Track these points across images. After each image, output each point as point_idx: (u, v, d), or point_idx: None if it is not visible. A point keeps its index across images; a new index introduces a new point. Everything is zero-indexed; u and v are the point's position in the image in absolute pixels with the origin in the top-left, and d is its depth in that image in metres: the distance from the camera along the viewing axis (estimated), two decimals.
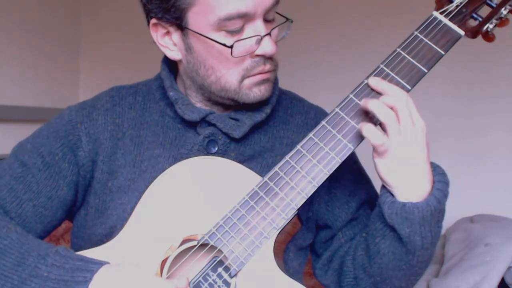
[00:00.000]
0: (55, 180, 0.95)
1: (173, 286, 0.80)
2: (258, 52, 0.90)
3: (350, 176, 1.02)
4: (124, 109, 1.00)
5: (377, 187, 1.07)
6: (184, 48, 0.94)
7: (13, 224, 0.89)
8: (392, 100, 0.82)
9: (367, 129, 0.82)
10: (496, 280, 1.62)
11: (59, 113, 1.02)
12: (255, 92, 0.93)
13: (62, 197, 0.96)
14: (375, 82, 0.85)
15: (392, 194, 0.86)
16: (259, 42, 0.89)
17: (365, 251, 0.94)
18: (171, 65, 1.02)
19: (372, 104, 0.82)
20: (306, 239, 1.01)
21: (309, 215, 1.01)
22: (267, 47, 0.89)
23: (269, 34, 0.90)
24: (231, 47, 0.88)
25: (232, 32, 0.88)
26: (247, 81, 0.92)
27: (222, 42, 0.88)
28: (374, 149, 0.84)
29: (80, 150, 0.97)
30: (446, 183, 0.86)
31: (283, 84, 1.11)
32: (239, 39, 0.88)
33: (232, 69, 0.91)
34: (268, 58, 0.92)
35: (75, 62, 3.04)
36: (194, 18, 0.89)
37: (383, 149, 0.83)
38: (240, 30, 0.88)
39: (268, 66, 0.92)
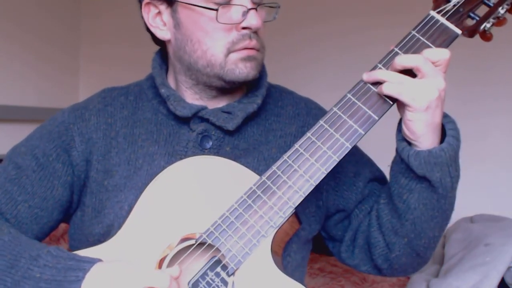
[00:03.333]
0: (50, 180, 0.96)
1: (167, 276, 0.80)
2: (243, 24, 0.92)
3: (350, 158, 1.02)
4: (116, 109, 1.01)
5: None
6: (173, 25, 0.96)
7: (7, 226, 0.90)
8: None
9: (387, 85, 0.83)
10: (496, 280, 1.63)
11: (51, 116, 1.03)
12: (241, 68, 0.94)
13: (57, 198, 0.96)
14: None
15: (411, 147, 0.87)
16: (245, 14, 0.91)
17: (392, 215, 0.94)
18: (162, 63, 1.04)
19: (399, 59, 0.83)
20: (311, 231, 1.02)
21: (319, 204, 1.01)
22: (253, 20, 0.91)
23: (255, 9, 0.92)
24: (216, 10, 0.90)
25: (220, 3, 0.91)
26: (233, 56, 0.93)
27: (209, 7, 0.90)
28: (401, 104, 0.84)
29: (74, 150, 0.98)
30: (454, 122, 0.88)
31: (284, 84, 1.11)
32: (226, 4, 0.91)
33: (218, 41, 0.92)
34: (254, 34, 0.94)
35: (75, 63, 3.04)
36: None
37: (409, 102, 0.82)
38: (227, 2, 0.91)
39: (254, 42, 0.94)
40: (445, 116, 0.88)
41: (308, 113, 1.05)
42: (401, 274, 1.02)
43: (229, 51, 0.93)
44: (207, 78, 0.96)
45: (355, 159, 1.04)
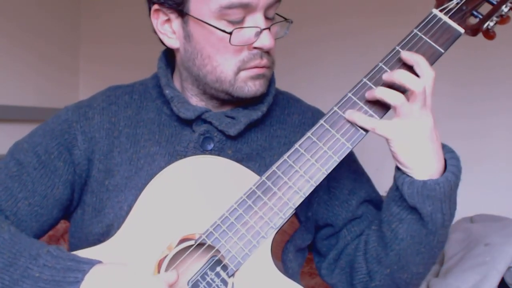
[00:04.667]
0: (51, 178, 0.95)
1: (164, 283, 0.80)
2: (256, 44, 0.91)
3: (349, 175, 1.02)
4: (120, 108, 1.01)
5: (378, 187, 1.07)
6: (183, 36, 0.95)
7: (7, 223, 0.89)
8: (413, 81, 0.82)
9: (381, 91, 0.83)
10: (496, 280, 1.62)
11: (56, 113, 1.02)
12: (250, 86, 0.93)
13: (57, 196, 0.96)
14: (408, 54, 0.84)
15: (408, 175, 0.86)
16: (258, 34, 0.90)
17: (378, 242, 0.93)
18: (168, 63, 1.03)
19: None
20: (304, 240, 1.01)
21: (308, 215, 1.00)
22: (266, 40, 0.90)
23: (268, 28, 0.91)
24: (230, 33, 0.88)
25: (233, 22, 0.89)
26: (243, 74, 0.92)
27: (222, 29, 0.89)
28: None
29: (76, 149, 0.97)
30: (457, 159, 0.87)
31: (284, 86, 1.10)
32: (239, 27, 0.89)
33: (229, 59, 0.92)
34: (265, 53, 0.93)
35: (75, 63, 3.04)
36: (196, 5, 0.90)
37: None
38: (240, 22, 0.90)
39: (264, 61, 0.93)
40: (450, 151, 0.88)
41: (314, 123, 1.03)
42: None
43: (240, 70, 0.92)
44: (215, 91, 0.96)
45: (353, 177, 1.03)
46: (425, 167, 0.84)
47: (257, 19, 0.90)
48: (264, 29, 0.90)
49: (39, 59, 2.75)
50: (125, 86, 1.06)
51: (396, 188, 0.88)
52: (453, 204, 0.87)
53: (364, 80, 0.86)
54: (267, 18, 0.92)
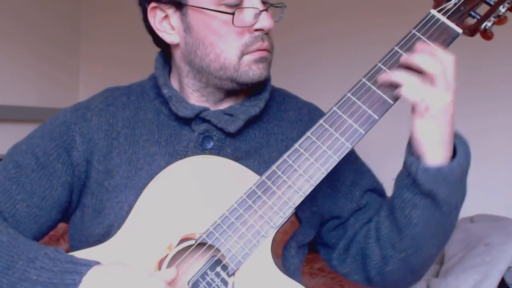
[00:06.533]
0: (49, 180, 0.95)
1: (162, 281, 0.80)
2: (257, 26, 0.92)
3: (349, 167, 1.03)
4: (118, 109, 1.01)
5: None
6: (183, 29, 0.95)
7: (5, 225, 0.89)
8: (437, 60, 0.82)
9: (406, 88, 0.83)
10: (496, 280, 1.62)
11: (54, 115, 1.03)
12: (254, 70, 0.94)
13: (56, 198, 0.96)
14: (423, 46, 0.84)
15: (420, 161, 0.86)
16: (257, 16, 0.92)
17: (391, 228, 0.93)
18: (164, 63, 1.03)
19: (418, 59, 0.82)
20: (307, 235, 1.01)
21: (313, 210, 1.01)
22: (265, 21, 0.92)
23: (266, 10, 0.92)
24: (233, 14, 0.90)
25: (231, 6, 0.91)
26: (246, 58, 0.93)
27: (222, 10, 0.90)
28: (414, 109, 0.84)
29: (74, 150, 0.97)
30: (466, 145, 0.88)
31: (283, 85, 1.11)
32: (240, 7, 0.91)
33: (232, 44, 0.92)
34: (266, 35, 0.94)
35: (75, 63, 3.04)
36: None
37: (424, 107, 0.82)
38: (239, 4, 0.91)
39: (266, 43, 0.94)
40: (459, 137, 0.88)
41: (310, 119, 1.04)
42: None
43: (243, 54, 0.93)
44: (219, 81, 0.96)
45: (354, 168, 1.04)
46: (440, 151, 0.85)
47: (254, 2, 0.92)
48: (263, 10, 0.92)
49: (39, 59, 2.76)
50: (122, 87, 1.06)
51: (407, 174, 0.88)
52: (464, 188, 0.89)
53: (363, 80, 0.86)
54: (264, 2, 0.94)
